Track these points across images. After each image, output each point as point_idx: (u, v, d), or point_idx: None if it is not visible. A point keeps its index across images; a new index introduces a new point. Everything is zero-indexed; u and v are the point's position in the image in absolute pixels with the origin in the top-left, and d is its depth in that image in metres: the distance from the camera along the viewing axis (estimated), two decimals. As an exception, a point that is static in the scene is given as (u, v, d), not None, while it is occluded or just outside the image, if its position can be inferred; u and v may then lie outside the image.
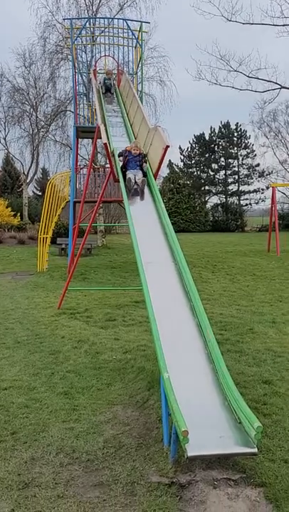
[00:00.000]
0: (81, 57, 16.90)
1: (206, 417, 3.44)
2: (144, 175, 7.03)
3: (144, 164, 7.16)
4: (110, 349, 6.42)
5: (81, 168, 17.31)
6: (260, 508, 3.08)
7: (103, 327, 7.64)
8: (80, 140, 16.69)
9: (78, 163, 16.85)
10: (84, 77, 16.55)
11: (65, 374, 5.51)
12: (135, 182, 6.81)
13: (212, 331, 4.17)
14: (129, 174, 6.92)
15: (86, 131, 14.17)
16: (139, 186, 6.76)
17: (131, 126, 9.52)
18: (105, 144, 7.14)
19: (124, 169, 7.07)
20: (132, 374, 5.45)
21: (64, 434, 3.99)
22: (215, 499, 3.16)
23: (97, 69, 14.00)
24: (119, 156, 7.21)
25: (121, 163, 7.14)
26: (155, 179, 7.09)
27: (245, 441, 3.15)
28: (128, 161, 7.07)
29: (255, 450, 3.07)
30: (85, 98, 16.52)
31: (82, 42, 15.76)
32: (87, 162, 21.52)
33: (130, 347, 6.45)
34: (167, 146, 6.69)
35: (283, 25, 20.75)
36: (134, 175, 6.90)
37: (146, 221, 6.23)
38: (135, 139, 8.41)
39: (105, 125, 8.54)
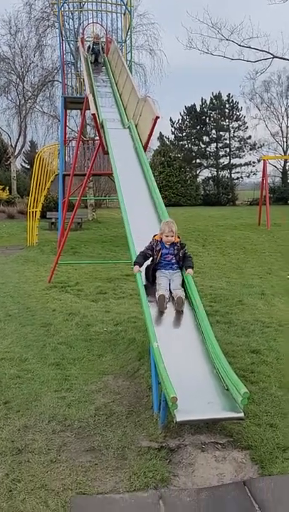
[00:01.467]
0: (68, 24, 16.33)
1: (194, 385, 3.53)
2: (183, 283, 4.47)
3: (186, 260, 4.57)
4: (101, 321, 6.49)
5: (70, 141, 17.03)
6: (246, 469, 3.21)
7: (94, 300, 7.69)
8: (68, 111, 16.32)
9: (67, 136, 16.56)
10: (71, 46, 16.06)
11: (56, 346, 5.57)
12: (170, 297, 4.31)
13: (201, 302, 4.23)
14: (161, 279, 4.40)
15: (74, 102, 13.85)
16: (178, 306, 4.22)
17: (120, 96, 9.35)
18: (94, 114, 7.02)
19: (152, 270, 4.53)
20: (123, 345, 5.53)
21: (56, 403, 4.07)
22: (203, 461, 3.28)
23: (85, 37, 13.60)
24: (139, 263, 4.52)
25: (146, 262, 4.57)
26: (145, 151, 7.01)
27: (232, 407, 3.24)
28: (161, 256, 4.50)
29: (242, 415, 3.17)
30: (72, 67, 16.09)
31: (69, 8, 15.23)
32: (76, 134, 21.14)
33: (121, 319, 6.53)
34: (157, 117, 6.60)
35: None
36: (169, 280, 4.41)
37: (136, 195, 6.19)
38: (124, 109, 8.06)
39: (94, 95, 8.37)
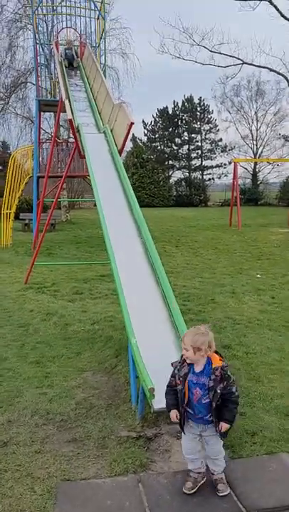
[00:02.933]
0: (42, 27, 16.38)
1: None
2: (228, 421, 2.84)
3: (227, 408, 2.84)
4: (79, 321, 6.67)
5: (43, 142, 17.06)
6: (217, 453, 3.48)
7: (71, 300, 7.86)
8: (42, 113, 16.36)
9: (41, 137, 16.59)
10: (45, 48, 16.12)
11: (35, 345, 5.73)
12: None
13: (175, 300, 4.48)
14: (187, 443, 3.01)
15: (49, 105, 13.95)
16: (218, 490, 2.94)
17: (95, 101, 9.54)
18: (70, 120, 7.18)
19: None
20: (101, 343, 5.74)
21: (38, 399, 4.25)
22: (178, 448, 3.51)
23: (59, 40, 13.71)
24: (172, 404, 2.94)
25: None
26: (120, 155, 7.23)
27: (205, 396, 3.50)
28: (188, 389, 2.86)
29: (214, 403, 3.42)
30: (46, 70, 16.13)
31: (42, 11, 15.28)
32: (50, 136, 21.15)
33: (98, 318, 6.73)
34: (132, 123, 6.85)
35: (245, 0, 20.77)
36: (199, 439, 2.96)
37: (112, 196, 6.40)
38: (99, 114, 8.28)
39: (70, 100, 8.53)
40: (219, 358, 2.91)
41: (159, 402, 3.38)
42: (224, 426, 2.84)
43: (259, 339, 5.78)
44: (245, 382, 4.57)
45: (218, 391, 2.80)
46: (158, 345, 4.17)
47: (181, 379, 2.89)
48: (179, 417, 2.92)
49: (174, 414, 2.94)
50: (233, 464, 3.29)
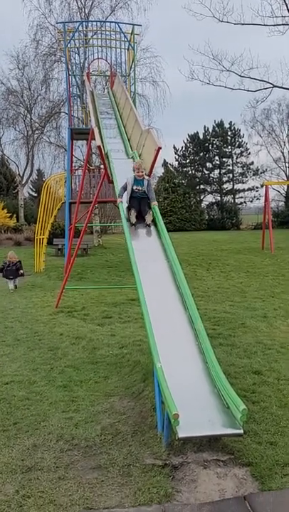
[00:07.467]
0: (74, 59, 17.11)
1: (196, 403, 3.68)
2: None
3: None
4: (107, 345, 6.66)
5: (76, 170, 17.52)
6: (246, 484, 3.33)
7: (100, 324, 7.87)
8: (74, 141, 16.87)
9: (73, 164, 17.06)
10: (77, 79, 16.75)
11: (63, 369, 5.74)
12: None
13: (202, 324, 4.41)
14: None
15: (81, 133, 14.39)
16: None
17: (124, 128, 9.76)
18: (99, 146, 7.36)
19: None
20: (128, 367, 5.68)
21: (64, 423, 4.22)
22: (205, 478, 3.40)
23: (90, 71, 14.22)
24: None
25: None
26: (148, 179, 7.30)
27: (232, 424, 3.38)
28: None
29: (241, 431, 3.31)
30: (78, 100, 16.72)
31: (75, 44, 15.96)
32: (82, 163, 21.72)
33: (126, 342, 6.69)
34: (159, 148, 6.92)
35: (274, 25, 20.99)
36: None
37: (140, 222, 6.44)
38: (128, 140, 8.34)
39: (99, 128, 8.76)
40: None
41: (184, 429, 3.30)
42: None
43: (292, 365, 5.57)
44: (276, 409, 4.39)
45: None
46: (185, 370, 4.09)
47: None
48: None
49: None
50: (261, 497, 3.13)
